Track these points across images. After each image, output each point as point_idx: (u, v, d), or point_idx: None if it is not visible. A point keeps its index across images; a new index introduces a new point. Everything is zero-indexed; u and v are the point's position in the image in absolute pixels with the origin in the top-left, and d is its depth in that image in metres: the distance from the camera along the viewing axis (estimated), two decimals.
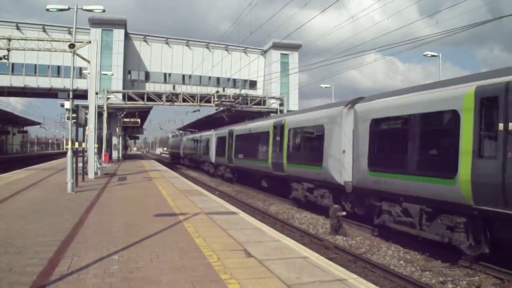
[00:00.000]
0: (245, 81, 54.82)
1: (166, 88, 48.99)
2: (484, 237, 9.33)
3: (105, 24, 46.66)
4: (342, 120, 14.90)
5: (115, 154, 46.74)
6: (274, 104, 47.83)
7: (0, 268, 6.04)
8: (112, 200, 13.97)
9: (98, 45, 25.86)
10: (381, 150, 13.16)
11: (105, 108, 38.69)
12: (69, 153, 16.66)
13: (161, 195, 15.52)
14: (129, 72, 50.49)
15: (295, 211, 18.18)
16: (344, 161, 14.61)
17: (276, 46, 52.10)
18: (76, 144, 19.57)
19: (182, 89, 48.83)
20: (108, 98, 40.64)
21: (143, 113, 54.75)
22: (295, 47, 55.77)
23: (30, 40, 23.74)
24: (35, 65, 46.54)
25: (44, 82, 47.04)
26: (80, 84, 41.46)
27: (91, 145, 22.84)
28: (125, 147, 74.11)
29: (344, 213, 13.72)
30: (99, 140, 33.87)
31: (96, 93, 24.40)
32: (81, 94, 36.68)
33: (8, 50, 21.16)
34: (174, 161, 70.92)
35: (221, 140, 33.96)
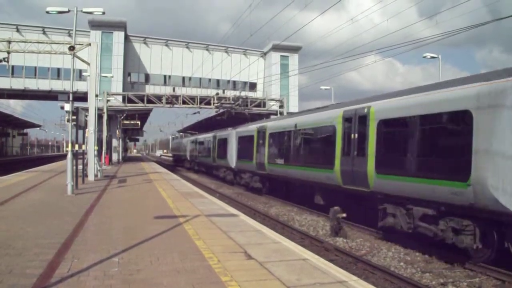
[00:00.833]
0: (245, 83, 54.93)
1: (166, 90, 49.11)
2: None
3: (105, 26, 46.76)
4: None
5: (115, 156, 46.76)
6: (274, 106, 47.87)
7: (0, 270, 6.03)
8: (112, 202, 13.97)
9: (98, 47, 25.96)
10: None
11: (105, 110, 38.71)
12: (69, 155, 16.66)
13: (161, 197, 15.51)
14: (129, 74, 50.56)
15: (295, 213, 18.17)
16: None
17: (276, 48, 52.19)
18: (76, 146, 19.58)
19: (182, 91, 48.94)
20: (108, 100, 40.66)
21: (143, 115, 54.79)
22: (295, 49, 55.86)
23: (30, 42, 23.81)
24: (35, 67, 46.66)
25: (44, 84, 47.11)
26: (80, 86, 41.53)
27: (91, 147, 22.84)
28: (125, 149, 74.15)
29: (344, 214, 13.68)
30: (99, 142, 33.90)
31: (96, 95, 24.45)
32: (81, 96, 36.73)
33: (8, 52, 21.21)
34: (178, 165, 64.24)
35: (245, 141, 27.13)
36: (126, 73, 49.67)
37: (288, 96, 51.30)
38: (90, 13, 21.17)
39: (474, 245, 9.45)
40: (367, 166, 13.05)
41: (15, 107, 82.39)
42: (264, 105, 47.91)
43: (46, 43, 24.18)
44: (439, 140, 10.76)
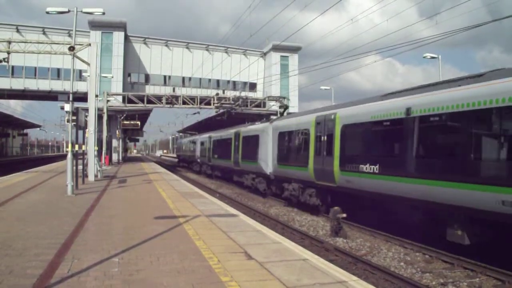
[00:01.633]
0: (245, 83, 54.98)
1: (166, 91, 49.17)
2: None
3: (105, 26, 46.80)
4: None
5: (115, 157, 46.76)
6: (274, 106, 47.87)
7: (0, 270, 6.03)
8: (112, 202, 13.96)
9: (98, 47, 25.98)
10: None
11: (105, 110, 38.70)
12: (69, 156, 16.66)
13: (161, 197, 15.51)
14: (129, 75, 50.60)
15: (295, 213, 18.16)
16: None
17: (276, 48, 52.24)
18: (76, 147, 19.57)
19: (182, 91, 48.96)
20: (108, 101, 40.65)
21: (143, 116, 54.80)
22: (294, 49, 55.90)
23: (30, 42, 23.79)
24: (35, 67, 46.71)
25: (44, 84, 47.15)
26: (80, 86, 41.57)
27: (91, 148, 22.83)
28: (125, 149, 74.17)
29: (344, 215, 13.68)
30: (99, 142, 33.90)
31: (96, 96, 24.44)
32: (81, 97, 36.74)
33: (8, 52, 21.21)
34: (183, 166, 59.94)
35: (292, 138, 19.64)
36: (126, 74, 49.71)
37: (288, 96, 51.28)
38: (90, 13, 21.16)
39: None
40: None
41: (15, 108, 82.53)
42: (264, 105, 47.92)
43: (46, 43, 24.18)
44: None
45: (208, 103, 43.90)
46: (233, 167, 29.28)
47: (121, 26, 47.96)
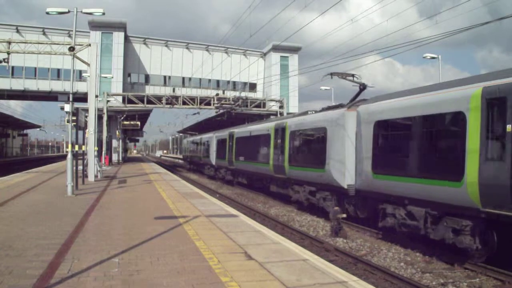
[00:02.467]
0: (245, 83, 54.97)
1: (166, 91, 49.17)
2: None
3: (105, 27, 46.79)
4: None
5: (115, 157, 46.77)
6: (274, 107, 47.92)
7: (0, 271, 6.04)
8: (112, 203, 13.97)
9: (98, 48, 25.99)
10: None
11: (105, 111, 38.74)
12: (69, 156, 16.67)
13: (161, 197, 15.51)
14: (129, 75, 50.58)
15: (295, 213, 18.15)
16: None
17: (275, 49, 52.23)
18: (76, 147, 19.58)
19: (182, 91, 48.98)
20: (108, 101, 40.69)
21: (143, 116, 54.79)
22: (294, 50, 55.88)
23: (30, 43, 23.80)
24: (35, 68, 46.69)
25: (44, 85, 47.14)
26: (80, 87, 41.57)
27: (91, 148, 22.84)
28: (125, 149, 74.11)
29: (344, 215, 13.68)
30: (99, 143, 33.92)
31: (96, 96, 24.46)
32: (81, 97, 36.78)
33: (8, 53, 21.23)
34: (192, 168, 50.90)
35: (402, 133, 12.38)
36: (126, 74, 49.70)
37: (288, 97, 51.34)
38: (90, 13, 21.14)
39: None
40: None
41: (15, 108, 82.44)
42: (264, 106, 47.98)
43: (46, 43, 24.20)
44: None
45: (208, 104, 43.94)
46: (273, 174, 21.35)
47: (121, 27, 47.95)
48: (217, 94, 45.63)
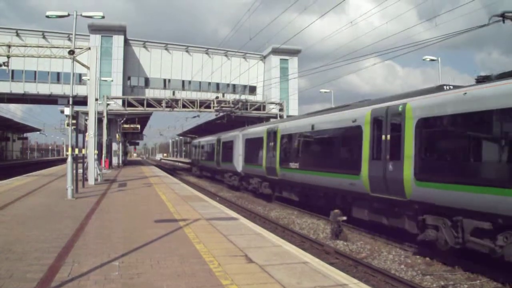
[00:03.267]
0: (245, 86, 54.96)
1: (166, 94, 49.12)
2: None
3: (105, 30, 46.80)
4: None
5: (115, 160, 46.73)
6: (274, 110, 47.93)
7: (1, 274, 6.03)
8: (113, 206, 13.96)
9: (97, 51, 25.91)
10: None
11: (105, 114, 38.75)
12: (69, 159, 16.66)
13: (161, 201, 15.51)
14: (129, 78, 50.58)
15: (295, 216, 18.14)
16: None
17: (275, 52, 52.23)
18: (76, 150, 19.56)
19: (181, 95, 48.95)
20: (108, 104, 40.70)
21: (143, 119, 54.81)
22: (294, 52, 55.91)
23: (30, 46, 23.77)
24: (35, 71, 46.66)
25: (44, 88, 47.13)
26: (80, 90, 41.51)
27: (91, 151, 22.82)
28: (125, 153, 74.11)
29: (344, 218, 13.67)
30: (99, 146, 33.90)
31: (96, 99, 24.43)
32: (81, 100, 36.71)
33: (8, 56, 21.18)
34: (204, 175, 42.63)
35: None
36: (126, 77, 49.68)
37: (288, 100, 51.33)
38: (90, 17, 21.16)
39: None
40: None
41: (15, 112, 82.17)
42: (264, 109, 47.99)
43: (46, 47, 24.18)
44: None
45: (208, 107, 43.93)
46: (367, 193, 13.24)
47: (121, 30, 47.98)
48: (217, 97, 45.62)
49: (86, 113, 23.44)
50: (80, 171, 20.17)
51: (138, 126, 54.89)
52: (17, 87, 45.83)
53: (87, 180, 21.56)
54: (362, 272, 9.87)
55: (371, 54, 21.87)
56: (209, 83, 53.91)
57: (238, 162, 28.21)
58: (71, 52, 19.36)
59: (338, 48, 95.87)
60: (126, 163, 61.43)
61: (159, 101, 43.52)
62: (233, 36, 66.97)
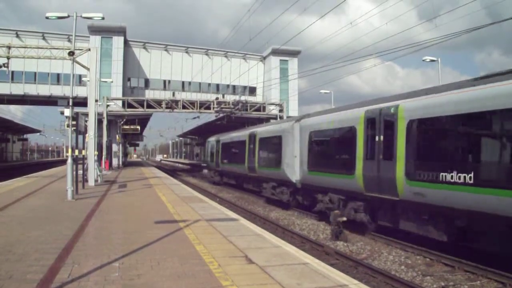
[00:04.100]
0: (245, 87, 54.95)
1: (166, 95, 49.15)
2: None
3: (105, 31, 46.85)
4: None
5: (115, 161, 46.72)
6: (274, 110, 47.95)
7: (1, 275, 6.03)
8: (113, 207, 13.95)
9: (97, 52, 25.97)
10: None
11: (105, 115, 38.73)
12: (69, 161, 16.65)
13: (162, 202, 15.50)
14: (129, 79, 50.60)
15: (295, 217, 18.14)
16: None
17: (275, 52, 52.25)
18: (76, 152, 19.57)
19: (181, 96, 48.96)
20: (107, 105, 40.70)
21: (143, 120, 54.81)
22: (294, 53, 55.95)
23: (30, 48, 23.83)
24: (35, 72, 46.71)
25: (43, 89, 47.18)
26: (80, 91, 41.55)
27: (91, 153, 22.82)
28: (125, 154, 74.12)
29: (345, 218, 13.68)
30: (99, 147, 33.88)
31: (96, 101, 24.47)
32: (81, 102, 36.72)
33: (8, 58, 21.22)
34: (227, 183, 33.35)
35: None
36: (126, 78, 49.71)
37: (288, 100, 51.36)
38: (90, 18, 21.19)
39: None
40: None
41: (15, 113, 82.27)
42: (264, 110, 48.04)
43: (46, 48, 24.22)
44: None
45: (208, 108, 43.94)
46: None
47: (121, 31, 48.01)
48: (217, 98, 45.66)
49: (86, 114, 23.44)
50: (80, 172, 20.16)
51: (138, 127, 54.88)
52: (17, 88, 45.85)
53: (87, 181, 21.56)
54: (362, 273, 9.86)
55: (371, 55, 21.86)
56: (209, 84, 53.95)
57: (293, 167, 18.81)
58: (71, 53, 19.38)
59: (338, 49, 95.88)
60: (126, 164, 61.43)
61: (159, 102, 43.53)
62: (233, 37, 67.12)
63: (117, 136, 46.81)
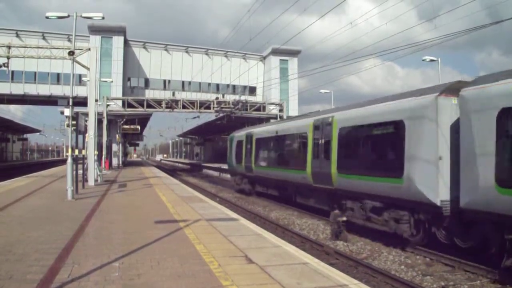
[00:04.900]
0: (245, 87, 54.95)
1: (166, 95, 49.15)
2: None
3: (105, 31, 46.87)
4: None
5: (115, 161, 46.73)
6: (273, 110, 47.95)
7: (1, 275, 6.03)
8: (113, 207, 13.95)
9: (97, 52, 25.96)
10: None
11: (105, 115, 38.73)
12: (69, 160, 16.65)
13: (162, 201, 15.50)
14: (129, 79, 50.61)
15: (295, 216, 18.13)
16: None
17: (275, 52, 52.26)
18: (76, 151, 19.57)
19: (181, 95, 48.95)
20: (107, 105, 40.69)
21: (143, 120, 54.80)
22: (294, 53, 55.96)
23: (30, 47, 23.82)
24: (35, 72, 46.73)
25: (43, 89, 47.19)
26: (80, 91, 41.54)
27: (91, 152, 22.81)
28: (125, 154, 74.08)
29: (344, 218, 13.67)
30: (99, 147, 33.88)
31: (96, 100, 24.46)
32: (81, 101, 36.72)
33: (8, 57, 21.20)
34: (264, 193, 24.76)
35: None
36: (126, 78, 49.73)
37: (288, 100, 51.37)
38: (90, 18, 21.20)
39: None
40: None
41: (15, 112, 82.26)
42: (264, 109, 48.03)
43: (46, 48, 24.23)
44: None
45: (208, 107, 43.95)
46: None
47: (121, 31, 48.02)
48: (216, 98, 45.65)
49: (86, 114, 23.43)
50: (80, 172, 20.16)
51: (138, 127, 54.88)
52: (17, 88, 45.88)
53: (87, 181, 21.56)
54: (362, 272, 9.86)
55: (371, 54, 21.86)
56: (209, 84, 53.97)
57: (433, 177, 10.55)
58: (71, 53, 19.38)
59: (338, 49, 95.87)
60: (126, 164, 61.42)
61: (159, 102, 43.54)
62: (233, 37, 67.26)
63: (117, 135, 46.79)
